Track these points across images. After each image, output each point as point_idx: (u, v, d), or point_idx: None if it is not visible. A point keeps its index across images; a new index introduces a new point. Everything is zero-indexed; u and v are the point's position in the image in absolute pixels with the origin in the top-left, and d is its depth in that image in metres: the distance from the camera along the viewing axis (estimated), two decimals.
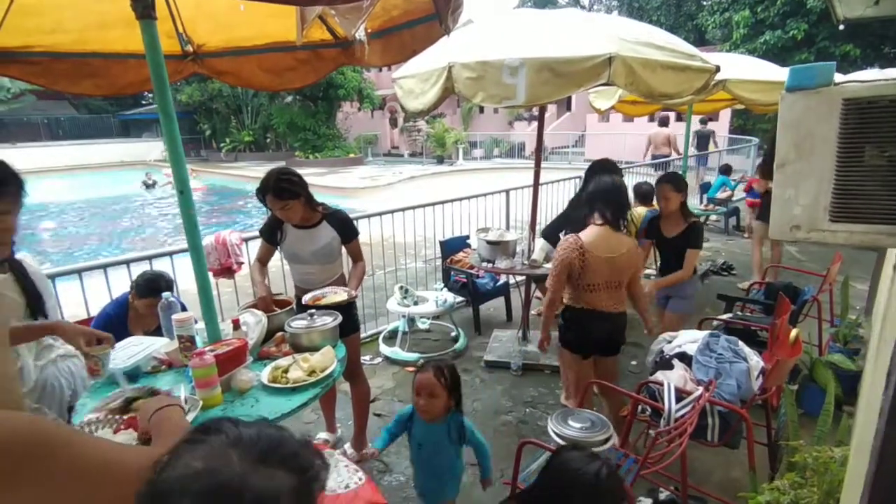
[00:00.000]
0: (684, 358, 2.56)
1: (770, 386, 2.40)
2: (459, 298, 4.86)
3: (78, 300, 2.97)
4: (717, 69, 3.21)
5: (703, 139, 12.76)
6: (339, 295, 2.45)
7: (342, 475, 2.47)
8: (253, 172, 19.19)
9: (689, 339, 2.67)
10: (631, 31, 2.98)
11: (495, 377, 3.85)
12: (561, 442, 2.09)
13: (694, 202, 8.29)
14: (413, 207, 4.92)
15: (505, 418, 3.34)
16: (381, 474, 2.83)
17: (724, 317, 3.66)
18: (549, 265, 3.72)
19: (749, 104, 5.23)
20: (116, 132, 28.53)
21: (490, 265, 3.84)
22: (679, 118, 16.89)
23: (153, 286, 2.51)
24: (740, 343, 2.56)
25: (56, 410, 2.14)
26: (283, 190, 2.40)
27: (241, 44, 2.52)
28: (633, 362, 4.05)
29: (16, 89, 22.29)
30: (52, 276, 2.72)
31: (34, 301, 2.11)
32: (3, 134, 23.59)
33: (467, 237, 5.06)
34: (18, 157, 22.89)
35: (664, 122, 11.02)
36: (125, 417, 1.65)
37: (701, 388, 2.23)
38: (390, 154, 25.43)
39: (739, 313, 3.86)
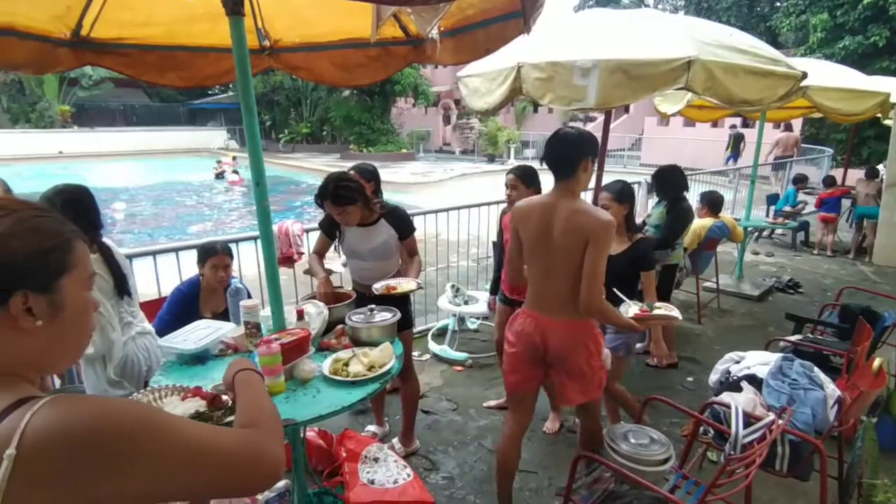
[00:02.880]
0: (753, 381, 2.43)
1: (849, 418, 2.24)
2: None
3: (150, 280, 3.13)
4: (804, 76, 3.02)
5: (737, 142, 14.46)
6: (409, 283, 2.49)
7: (391, 470, 2.50)
8: (308, 164, 19.76)
9: (759, 361, 2.53)
10: (711, 33, 2.86)
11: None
12: (617, 458, 2.02)
13: (760, 214, 7.88)
14: (467, 206, 4.91)
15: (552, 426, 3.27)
16: (427, 472, 2.84)
17: (794, 338, 3.45)
18: None
19: (830, 113, 4.92)
20: (184, 120, 30.01)
21: None
22: (745, 124, 16.17)
23: (208, 246, 2.70)
24: (816, 369, 2.41)
25: (134, 384, 2.27)
26: (340, 196, 2.45)
27: (315, 40, 2.56)
28: (690, 378, 3.89)
29: (96, 77, 23.73)
30: (129, 257, 2.87)
31: (120, 281, 2.24)
32: (84, 118, 25.26)
33: None
34: (97, 140, 24.53)
35: (789, 127, 12.29)
36: (191, 387, 1.73)
37: (772, 415, 2.10)
38: (441, 151, 25.54)
39: (810, 335, 3.63)
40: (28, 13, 1.89)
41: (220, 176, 17.60)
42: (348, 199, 2.46)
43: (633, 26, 2.98)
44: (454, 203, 4.95)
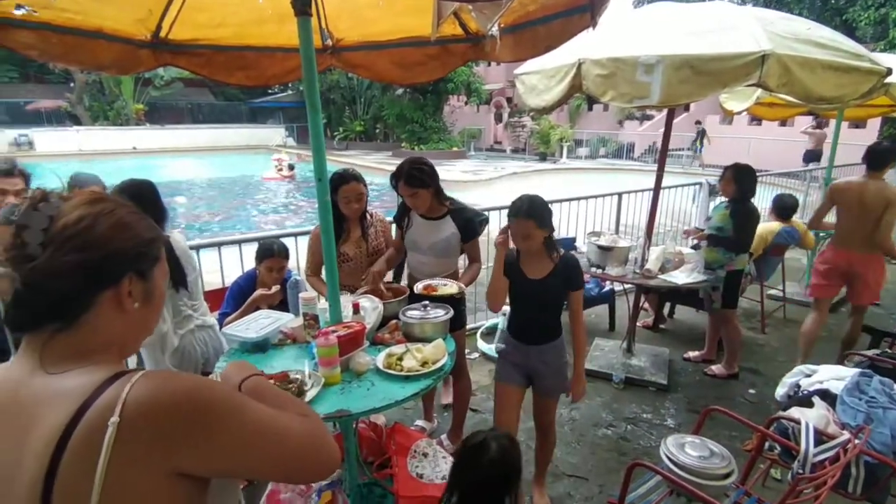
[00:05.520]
0: (826, 396, 2.28)
1: None
2: None
3: (215, 269, 3.29)
4: (889, 72, 2.80)
5: (701, 136, 17.52)
6: (450, 287, 2.48)
7: (440, 466, 2.51)
8: (361, 161, 20.12)
9: (832, 376, 2.37)
10: (786, 26, 2.70)
11: (595, 388, 3.70)
12: (674, 468, 1.95)
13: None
14: None
15: (604, 432, 3.19)
16: None
17: (870, 352, 3.21)
18: (663, 276, 3.50)
19: None
20: (246, 118, 31.32)
21: (599, 271, 3.68)
22: (819, 124, 15.16)
23: (266, 247, 2.75)
24: None
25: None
26: (413, 178, 2.50)
27: (375, 38, 2.60)
28: (752, 391, 3.70)
29: (168, 77, 25.13)
30: (196, 248, 3.02)
31: (174, 274, 2.34)
32: (156, 116, 26.85)
33: (574, 239, 4.91)
34: (167, 137, 26.02)
35: (820, 125, 13.57)
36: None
37: (847, 434, 1.97)
38: (492, 149, 25.44)
39: (888, 351, 3.37)
40: (115, 17, 2.02)
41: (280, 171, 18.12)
42: (421, 182, 2.52)
43: (700, 19, 2.85)
44: (505, 202, 4.90)
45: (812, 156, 13.40)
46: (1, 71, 26.32)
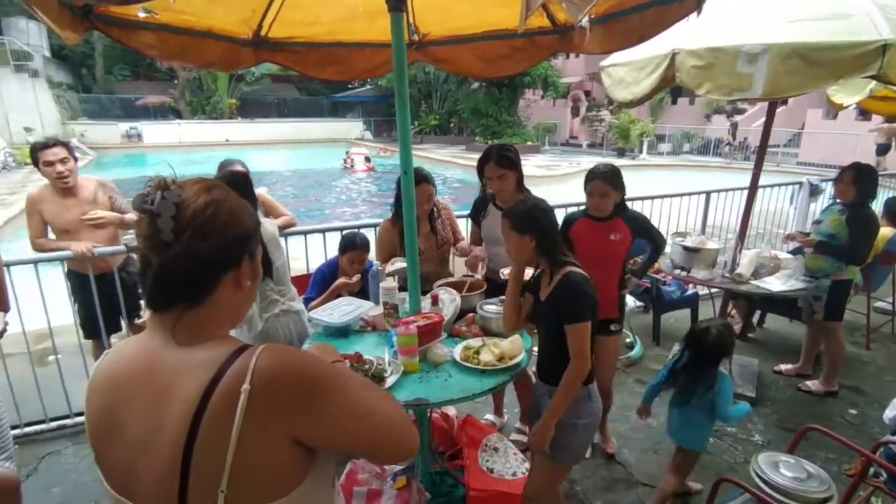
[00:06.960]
0: None
1: None
2: (639, 303, 4.55)
3: (300, 255, 3.46)
4: None
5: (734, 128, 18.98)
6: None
7: (510, 462, 2.50)
8: (435, 154, 20.37)
9: None
10: None
11: None
12: (766, 488, 1.83)
13: None
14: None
15: None
16: None
17: None
18: (756, 282, 3.27)
19: None
20: (327, 112, 32.63)
21: (684, 273, 3.50)
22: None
23: (350, 240, 2.84)
24: None
25: None
26: (504, 157, 2.61)
27: (461, 32, 2.62)
28: (853, 411, 3.38)
29: (258, 73, 26.71)
30: (284, 235, 3.19)
31: (263, 263, 2.48)
32: (246, 111, 28.70)
33: None
34: (256, 130, 27.58)
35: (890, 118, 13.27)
36: None
37: None
38: (567, 144, 24.81)
39: None
40: (223, 17, 2.17)
41: (348, 168, 18.37)
42: (510, 163, 2.62)
43: (810, 4, 2.60)
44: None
45: (884, 148, 13.86)
46: (116, 70, 29.13)
